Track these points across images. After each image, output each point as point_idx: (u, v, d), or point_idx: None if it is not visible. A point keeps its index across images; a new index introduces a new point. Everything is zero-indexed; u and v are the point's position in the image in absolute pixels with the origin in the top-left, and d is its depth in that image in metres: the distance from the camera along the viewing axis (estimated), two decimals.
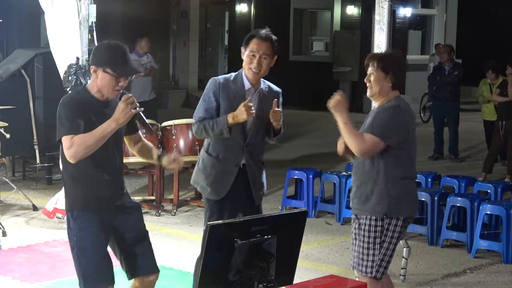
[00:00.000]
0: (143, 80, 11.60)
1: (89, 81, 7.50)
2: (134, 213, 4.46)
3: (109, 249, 4.39)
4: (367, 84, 4.76)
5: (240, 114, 4.73)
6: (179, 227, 7.91)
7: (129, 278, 4.42)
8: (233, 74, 4.98)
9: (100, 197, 4.31)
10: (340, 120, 4.60)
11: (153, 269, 4.42)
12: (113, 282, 4.30)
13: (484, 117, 11.93)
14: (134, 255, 4.37)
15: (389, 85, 4.70)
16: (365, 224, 4.68)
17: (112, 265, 4.33)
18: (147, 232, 4.47)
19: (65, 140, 4.15)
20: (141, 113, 4.26)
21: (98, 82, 4.25)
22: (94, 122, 4.19)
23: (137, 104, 4.21)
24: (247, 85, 4.90)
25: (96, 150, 4.16)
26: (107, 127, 4.15)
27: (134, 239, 4.38)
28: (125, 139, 4.54)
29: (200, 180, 4.98)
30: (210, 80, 4.96)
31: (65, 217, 4.42)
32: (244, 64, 4.91)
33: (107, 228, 4.32)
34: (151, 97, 11.84)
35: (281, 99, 5.02)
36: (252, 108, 4.74)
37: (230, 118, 4.76)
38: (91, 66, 4.25)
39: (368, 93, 4.76)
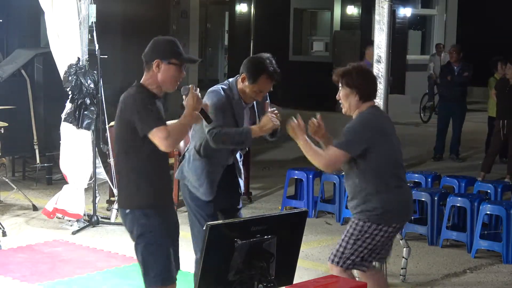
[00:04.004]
0: None
1: (93, 82, 7.58)
2: (174, 211, 4.57)
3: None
4: (339, 102, 4.82)
5: (267, 125, 4.84)
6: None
7: None
8: (227, 85, 4.95)
9: (165, 194, 4.38)
10: (299, 142, 4.77)
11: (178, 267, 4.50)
12: (174, 281, 4.34)
13: (491, 114, 11.82)
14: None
15: (356, 99, 4.72)
16: (351, 221, 4.83)
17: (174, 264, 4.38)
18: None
19: (160, 131, 4.13)
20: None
21: (160, 76, 4.26)
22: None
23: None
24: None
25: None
26: (188, 116, 4.25)
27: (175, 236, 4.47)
28: None
29: (192, 180, 5.00)
30: (215, 92, 4.90)
31: (127, 214, 4.28)
32: (246, 90, 4.89)
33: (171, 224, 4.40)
34: None
35: (267, 99, 5.09)
36: (276, 116, 4.84)
37: (257, 130, 4.85)
38: (154, 61, 4.23)
39: (343, 111, 4.80)
